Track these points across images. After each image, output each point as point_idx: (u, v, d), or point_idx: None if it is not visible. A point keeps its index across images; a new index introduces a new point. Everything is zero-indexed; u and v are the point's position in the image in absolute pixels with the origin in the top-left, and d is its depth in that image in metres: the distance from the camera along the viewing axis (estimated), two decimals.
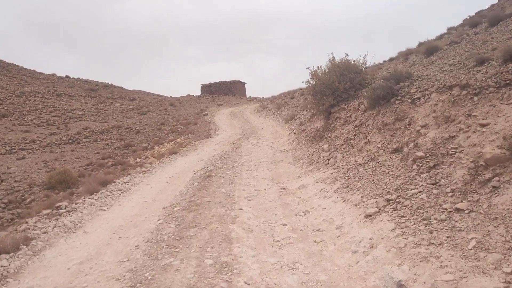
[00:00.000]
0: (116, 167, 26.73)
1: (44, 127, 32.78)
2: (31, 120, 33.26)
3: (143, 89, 51.26)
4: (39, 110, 34.85)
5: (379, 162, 9.20)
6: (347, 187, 8.97)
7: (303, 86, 35.89)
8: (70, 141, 30.77)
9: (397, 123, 9.97)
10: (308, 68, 15.19)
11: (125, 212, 10.01)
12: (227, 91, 48.92)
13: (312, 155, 13.24)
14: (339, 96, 14.14)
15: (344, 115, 13.71)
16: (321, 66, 15.03)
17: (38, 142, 30.52)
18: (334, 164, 11.00)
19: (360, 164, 9.73)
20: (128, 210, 10.18)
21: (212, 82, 50.86)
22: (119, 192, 11.98)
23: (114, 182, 13.51)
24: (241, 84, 52.78)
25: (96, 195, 11.77)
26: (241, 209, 8.96)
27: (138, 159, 27.62)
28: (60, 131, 32.36)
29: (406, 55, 17.64)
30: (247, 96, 51.57)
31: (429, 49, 14.25)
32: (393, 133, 9.91)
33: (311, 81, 15.18)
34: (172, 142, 28.02)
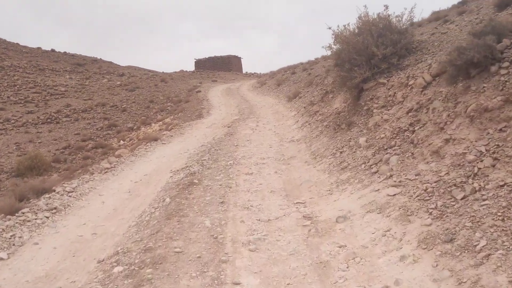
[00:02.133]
0: (97, 151, 22.01)
1: (21, 105, 27.75)
2: (8, 97, 28.18)
3: (137, 65, 46.00)
4: (18, 86, 29.71)
5: (498, 186, 4.46)
6: (448, 238, 4.20)
7: (304, 61, 30.84)
8: (49, 120, 25.86)
9: (509, 108, 5.22)
10: (330, 28, 10.25)
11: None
12: (222, 67, 43.64)
13: (340, 152, 8.43)
14: (376, 67, 9.28)
15: (384, 93, 8.87)
16: (348, 25, 10.10)
17: (12, 121, 25.61)
18: (391, 176, 6.20)
19: (455, 186, 4.94)
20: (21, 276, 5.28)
21: (207, 57, 45.66)
22: (47, 214, 7.13)
23: (54, 190, 8.65)
24: (237, 59, 47.41)
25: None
26: (239, 284, 4.19)
27: (121, 141, 22.87)
28: (39, 109, 27.37)
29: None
30: (244, 72, 46.40)
31: None
32: (504, 126, 5.17)
33: (333, 46, 10.26)
34: (160, 123, 23.24)
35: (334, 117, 10.99)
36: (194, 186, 7.68)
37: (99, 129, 24.70)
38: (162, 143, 14.02)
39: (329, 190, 6.87)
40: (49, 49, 37.63)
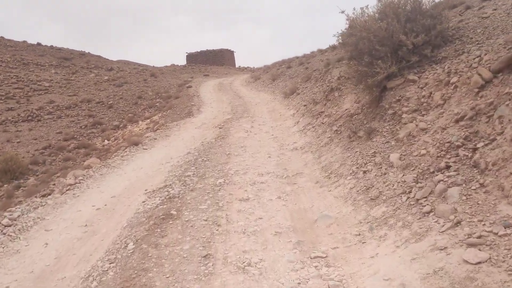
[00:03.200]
0: (79, 151, 19.76)
1: (1, 101, 25.26)
2: None
3: (129, 59, 43.37)
4: None
5: None
6: None
7: (299, 54, 28.40)
8: (30, 117, 23.43)
9: None
10: (344, 12, 7.98)
11: None
12: (214, 61, 40.99)
13: (364, 172, 6.17)
14: (404, 59, 7.04)
15: (415, 94, 6.65)
16: (367, 7, 7.81)
17: None
18: (459, 223, 3.94)
19: None
20: None
21: (199, 50, 42.92)
22: None
23: None
24: (230, 53, 44.75)
25: None
26: None
27: (106, 140, 20.58)
28: (20, 106, 24.90)
29: None
30: (237, 66, 43.89)
31: None
32: None
33: (347, 34, 7.98)
34: (148, 121, 20.95)
35: (345, 121, 8.77)
36: (170, 222, 5.43)
37: (83, 127, 22.36)
38: (143, 149, 11.72)
39: (360, 235, 4.63)
40: (35, 43, 34.94)
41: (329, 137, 8.68)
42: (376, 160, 6.21)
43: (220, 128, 13.40)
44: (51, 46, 35.46)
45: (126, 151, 11.50)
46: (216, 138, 11.63)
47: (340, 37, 16.64)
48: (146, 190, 7.38)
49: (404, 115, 6.60)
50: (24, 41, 34.99)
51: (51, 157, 18.83)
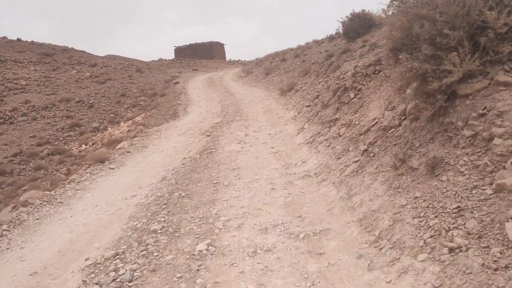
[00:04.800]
0: (52, 158, 16.83)
1: None
2: None
3: (118, 54, 39.93)
4: None
5: None
6: None
7: (292, 46, 25.17)
8: (1, 120, 20.31)
9: None
10: None
11: None
12: (204, 54, 37.39)
13: (450, 249, 3.32)
14: (489, 51, 4.18)
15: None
16: None
17: None
18: None
19: None
20: None
21: (187, 44, 39.15)
22: None
23: None
24: (220, 46, 41.11)
25: None
26: None
27: (83, 145, 17.60)
28: None
29: None
30: (227, 59, 40.52)
31: None
32: None
33: (391, 12, 5.09)
34: (130, 122, 18.01)
35: (378, 137, 5.90)
36: None
37: (59, 130, 19.32)
38: (110, 168, 8.77)
39: None
40: (15, 39, 31.44)
41: (357, 160, 5.80)
42: (469, 226, 3.36)
43: (207, 135, 10.51)
44: (32, 41, 31.98)
45: (87, 173, 8.55)
46: (201, 152, 8.73)
47: (341, 26, 13.15)
48: (86, 259, 4.48)
49: (498, 141, 3.76)
50: (4, 37, 31.46)
51: (20, 166, 15.85)
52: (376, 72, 8.16)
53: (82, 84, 24.58)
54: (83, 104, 21.53)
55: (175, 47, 38.92)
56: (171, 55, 39.93)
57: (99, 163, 9.10)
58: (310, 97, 11.68)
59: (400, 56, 4.52)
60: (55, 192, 7.20)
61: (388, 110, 6.35)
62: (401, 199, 4.27)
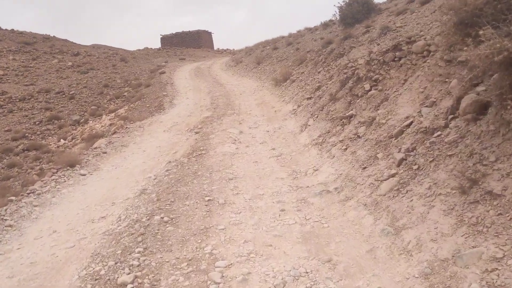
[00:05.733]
0: (28, 154, 15.04)
1: None
2: None
3: (106, 43, 37.53)
4: None
5: None
6: None
7: (285, 34, 23.36)
8: None
9: None
10: None
11: None
12: (191, 43, 35.11)
13: None
14: None
15: None
16: None
17: None
18: None
19: None
20: None
21: (174, 32, 36.69)
22: None
23: None
24: (208, 34, 38.77)
25: None
26: None
27: (62, 140, 15.78)
28: None
29: None
30: (215, 48, 38.42)
31: None
32: None
33: None
34: (112, 115, 16.27)
35: (417, 142, 4.36)
36: None
37: (37, 123, 17.38)
38: (81, 174, 7.08)
39: None
40: None
41: (394, 174, 4.26)
42: None
43: (196, 133, 8.89)
44: (12, 29, 29.53)
45: (52, 180, 6.86)
46: (190, 154, 7.12)
47: (338, 11, 11.59)
48: None
49: None
50: None
51: None
52: (396, 59, 6.61)
53: (63, 74, 22.54)
54: (64, 95, 19.57)
55: (161, 36, 36.68)
56: (158, 45, 37.76)
57: (68, 168, 7.40)
58: (310, 88, 10.11)
59: (481, 32, 2.94)
60: (5, 211, 5.50)
61: (426, 107, 4.80)
62: (489, 245, 2.75)
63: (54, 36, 30.11)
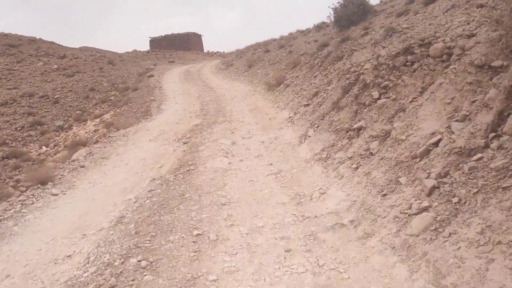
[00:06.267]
0: (7, 163, 13.85)
1: None
2: None
3: (95, 45, 36.14)
4: None
5: None
6: None
7: (277, 37, 22.25)
8: None
9: None
10: None
11: None
12: (181, 45, 33.85)
13: None
14: None
15: None
16: None
17: None
18: None
19: None
20: None
21: (163, 35, 35.34)
22: None
23: None
24: (197, 37, 37.47)
25: None
26: None
27: (44, 147, 14.68)
28: None
29: None
30: (205, 50, 37.26)
31: None
32: None
33: None
34: (97, 120, 15.24)
35: (451, 166, 3.47)
36: None
37: (18, 129, 16.13)
38: (52, 195, 6.07)
39: None
40: None
41: (426, 207, 3.36)
42: None
43: (184, 143, 7.93)
44: None
45: (18, 202, 5.83)
46: (176, 170, 6.17)
47: (332, 13, 10.74)
48: None
49: None
50: None
51: None
52: (408, 63, 5.74)
53: (48, 77, 21.32)
54: (48, 100, 18.36)
55: (150, 38, 35.42)
56: (146, 47, 36.54)
57: (39, 186, 6.38)
58: (307, 94, 9.22)
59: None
60: None
61: (457, 121, 3.92)
62: None
63: (40, 38, 28.79)
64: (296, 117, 8.45)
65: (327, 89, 8.32)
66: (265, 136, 7.92)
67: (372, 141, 5.01)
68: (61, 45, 29.53)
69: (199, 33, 37.19)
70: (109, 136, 9.63)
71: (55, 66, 22.87)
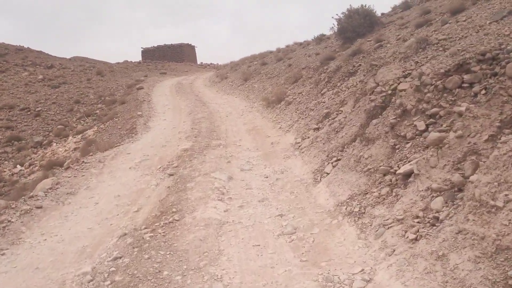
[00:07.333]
0: None
1: None
2: None
3: (85, 55, 34.17)
4: None
5: None
6: None
7: (273, 49, 20.51)
8: None
9: None
10: None
11: None
12: (173, 57, 31.95)
13: None
14: None
15: None
16: None
17: None
18: None
19: None
20: None
21: (156, 45, 33.41)
22: None
23: None
24: (191, 48, 35.59)
25: None
26: None
27: (18, 166, 12.89)
28: None
29: None
30: (198, 62, 35.47)
31: None
32: None
33: None
34: (79, 136, 13.49)
35: None
36: None
37: None
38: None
39: None
40: None
41: None
42: None
43: (170, 174, 6.20)
44: None
45: None
46: (157, 219, 4.47)
47: (336, 24, 8.76)
48: None
49: None
50: None
51: None
52: (464, 85, 4.11)
53: (32, 88, 19.41)
54: (29, 112, 16.49)
55: (142, 49, 33.63)
56: (138, 57, 34.73)
57: None
58: (316, 115, 7.57)
59: None
60: None
61: None
62: None
63: (28, 47, 26.86)
64: (305, 143, 6.77)
65: (341, 110, 6.68)
66: (268, 168, 6.22)
67: (432, 197, 3.33)
68: (50, 55, 27.60)
69: (192, 44, 35.49)
70: (83, 162, 7.83)
71: (41, 77, 20.96)
